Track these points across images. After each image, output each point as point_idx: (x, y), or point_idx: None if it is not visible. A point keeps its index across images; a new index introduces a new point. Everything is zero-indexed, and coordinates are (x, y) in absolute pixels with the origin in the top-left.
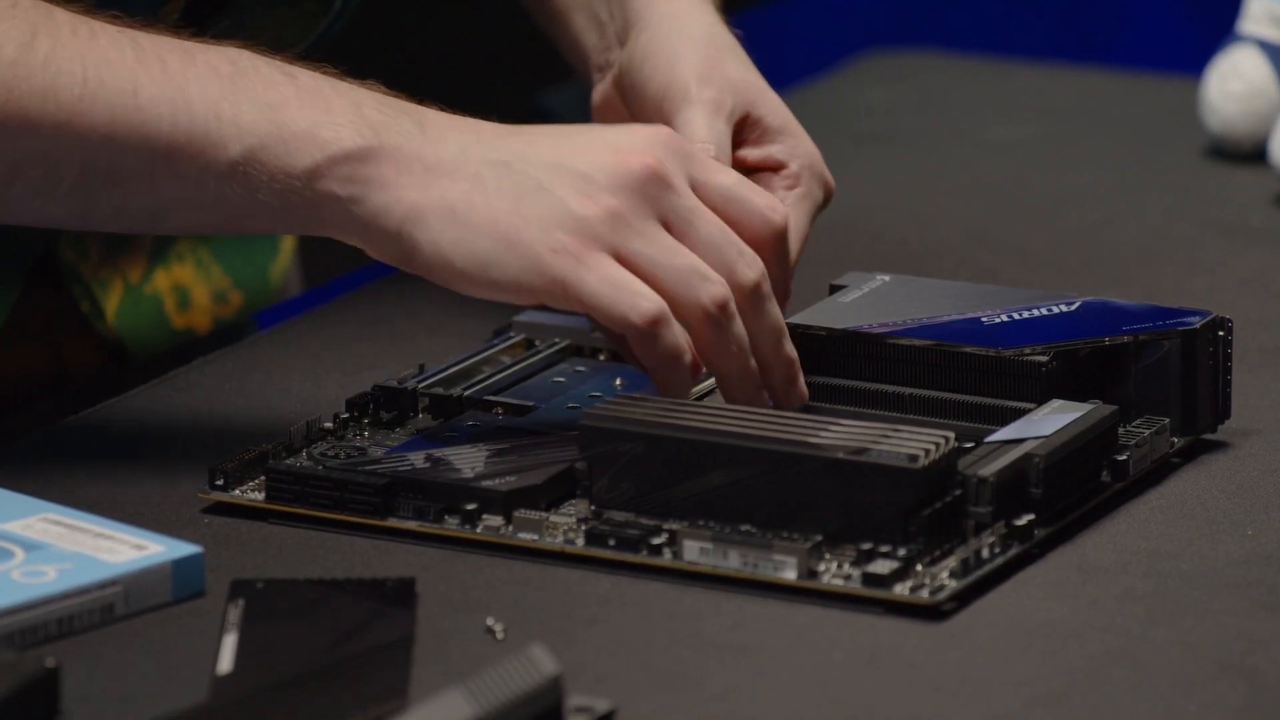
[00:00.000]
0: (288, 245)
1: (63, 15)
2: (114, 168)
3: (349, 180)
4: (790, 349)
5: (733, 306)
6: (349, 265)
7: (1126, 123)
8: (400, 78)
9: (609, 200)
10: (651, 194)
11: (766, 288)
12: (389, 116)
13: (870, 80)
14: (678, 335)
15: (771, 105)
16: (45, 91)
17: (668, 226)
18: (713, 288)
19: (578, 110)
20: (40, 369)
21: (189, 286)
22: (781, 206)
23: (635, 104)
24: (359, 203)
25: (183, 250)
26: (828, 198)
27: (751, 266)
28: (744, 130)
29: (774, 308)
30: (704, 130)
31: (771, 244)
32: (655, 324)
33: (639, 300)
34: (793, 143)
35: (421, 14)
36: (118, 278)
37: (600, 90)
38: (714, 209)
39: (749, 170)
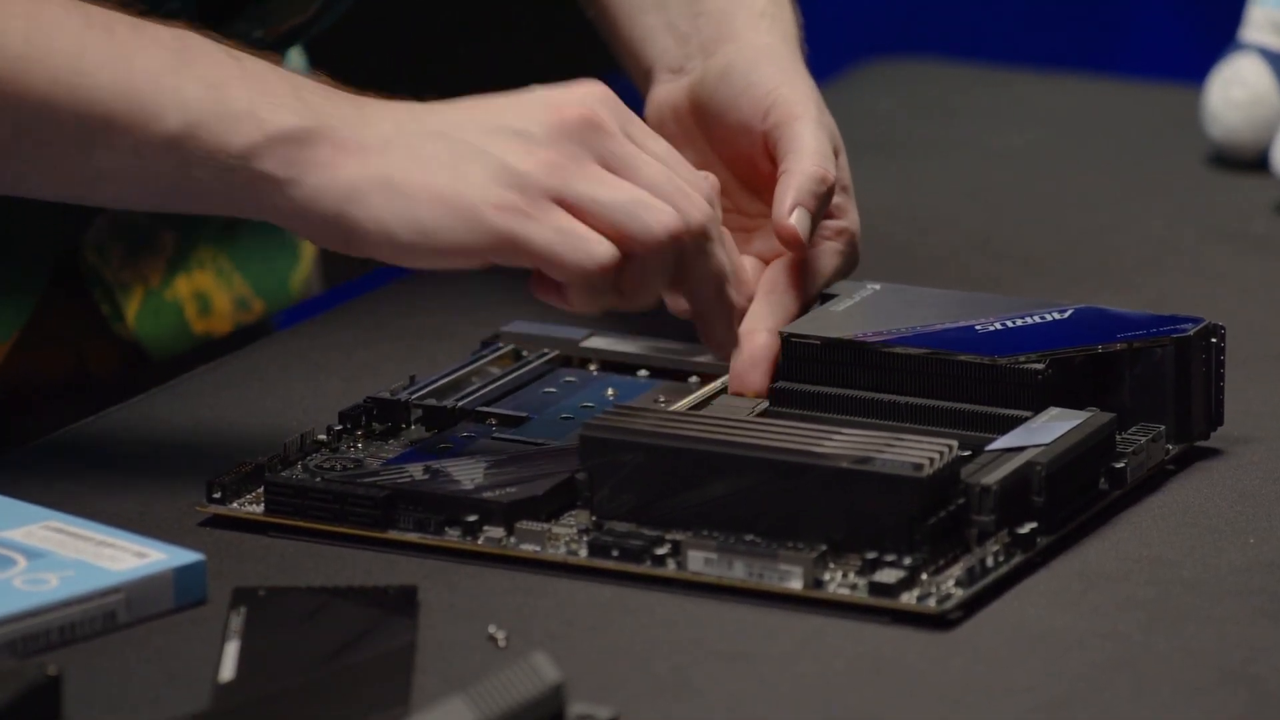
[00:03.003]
0: (308, 254)
1: None
2: (48, 131)
3: (287, 163)
4: (732, 296)
5: (689, 237)
6: (368, 271)
7: (1128, 130)
8: (405, 81)
9: (547, 153)
10: (590, 141)
11: (714, 232)
12: (327, 100)
13: (873, 88)
14: (630, 276)
15: (844, 164)
16: None
17: (609, 170)
18: (662, 214)
19: None
20: (62, 371)
21: (210, 293)
22: (713, 176)
23: (724, 107)
24: (296, 185)
25: (204, 258)
26: (852, 267)
27: (698, 208)
28: None
29: (720, 253)
30: (815, 145)
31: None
32: (607, 270)
33: (591, 246)
34: (849, 206)
35: (426, 17)
36: (138, 282)
37: (666, 90)
38: None
39: None
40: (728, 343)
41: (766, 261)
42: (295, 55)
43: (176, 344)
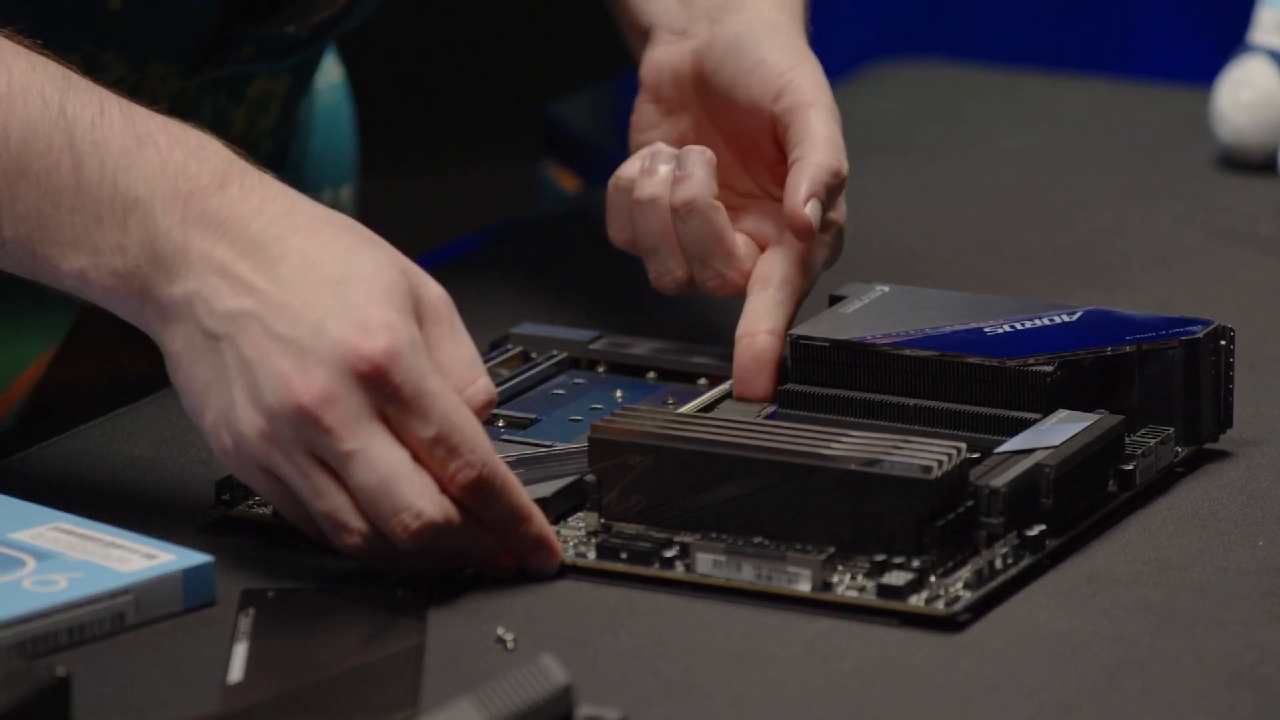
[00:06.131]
0: None
1: None
2: None
3: (108, 304)
4: (522, 533)
5: (379, 545)
6: None
7: (1137, 132)
8: (413, 85)
9: (262, 424)
10: (304, 433)
11: (426, 535)
12: (150, 235)
13: (881, 90)
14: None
15: None
16: None
17: (322, 465)
18: (350, 537)
19: (588, 119)
20: (101, 381)
21: None
22: (709, 150)
23: (731, 83)
24: (120, 314)
25: None
26: (836, 258)
27: (410, 522)
28: None
29: (480, 537)
30: (828, 135)
31: None
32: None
33: (303, 525)
34: (840, 198)
35: (435, 21)
36: None
37: (668, 52)
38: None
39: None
40: (539, 564)
41: (757, 241)
42: (330, 59)
43: None
